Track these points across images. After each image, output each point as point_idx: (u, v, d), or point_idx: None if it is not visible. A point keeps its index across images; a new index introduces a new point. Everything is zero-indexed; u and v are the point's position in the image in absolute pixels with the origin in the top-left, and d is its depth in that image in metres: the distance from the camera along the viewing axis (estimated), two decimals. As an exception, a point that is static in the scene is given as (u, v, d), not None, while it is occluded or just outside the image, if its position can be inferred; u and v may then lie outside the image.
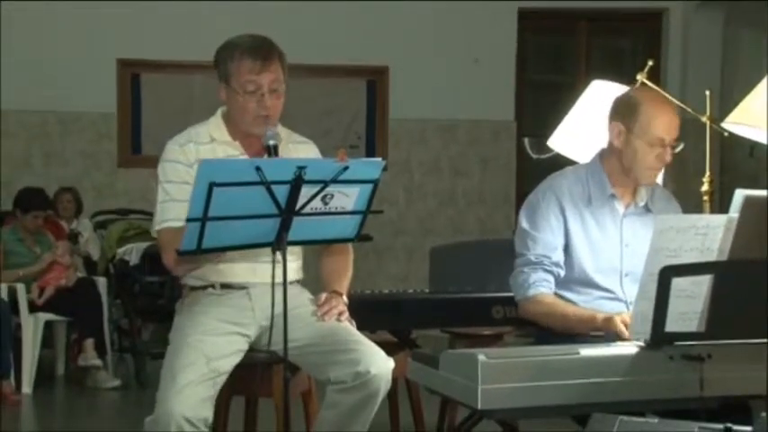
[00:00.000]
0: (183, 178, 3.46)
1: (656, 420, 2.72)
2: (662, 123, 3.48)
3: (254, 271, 3.54)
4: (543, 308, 3.53)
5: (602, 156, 3.65)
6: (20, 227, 7.46)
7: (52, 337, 7.58)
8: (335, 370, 3.36)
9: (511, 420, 3.74)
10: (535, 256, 3.55)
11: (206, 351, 3.38)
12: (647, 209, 3.64)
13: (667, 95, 3.81)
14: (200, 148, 3.55)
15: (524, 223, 3.61)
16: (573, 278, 3.58)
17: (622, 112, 3.55)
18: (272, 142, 3.40)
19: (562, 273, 3.56)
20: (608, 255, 3.58)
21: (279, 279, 3.25)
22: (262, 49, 3.50)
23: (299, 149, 3.68)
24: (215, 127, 3.63)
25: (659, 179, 3.84)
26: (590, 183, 3.62)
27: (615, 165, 3.60)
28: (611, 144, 3.60)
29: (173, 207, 3.46)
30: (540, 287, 3.53)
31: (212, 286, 3.60)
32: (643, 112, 3.50)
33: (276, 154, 3.40)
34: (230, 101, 3.56)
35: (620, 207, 3.62)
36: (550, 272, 3.55)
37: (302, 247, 3.71)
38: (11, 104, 9.13)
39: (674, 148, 3.50)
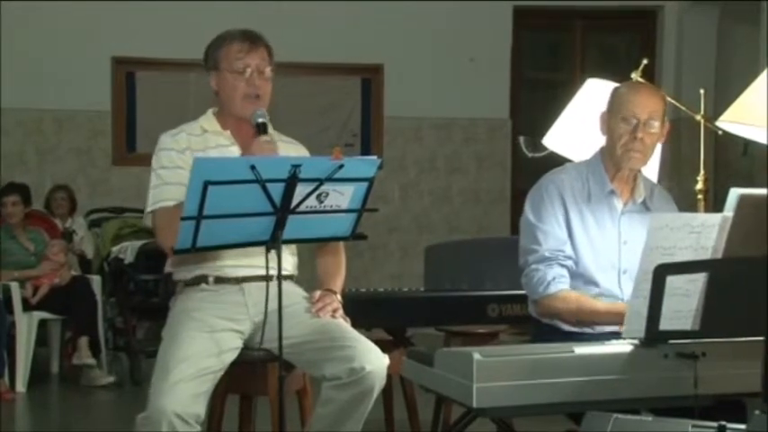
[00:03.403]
0: (175, 163, 3.55)
1: (650, 418, 2.73)
2: (633, 99, 3.54)
3: (248, 265, 3.55)
4: (570, 304, 3.52)
5: (602, 153, 3.67)
6: (9, 225, 7.46)
7: (47, 335, 7.58)
8: (330, 366, 3.37)
9: (506, 418, 3.73)
10: (549, 251, 3.54)
11: (199, 347, 3.38)
12: (645, 206, 3.64)
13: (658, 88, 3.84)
14: (192, 138, 3.64)
15: (531, 217, 3.60)
16: (572, 273, 3.57)
17: (607, 102, 3.64)
18: (260, 120, 3.49)
19: (574, 266, 3.57)
20: (606, 251, 3.59)
21: (272, 274, 3.26)
22: (249, 34, 3.64)
23: (289, 149, 3.71)
24: (206, 120, 3.72)
25: (654, 176, 3.85)
26: (590, 179, 3.63)
27: (609, 156, 3.62)
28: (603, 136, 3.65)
29: (166, 189, 3.53)
30: (560, 283, 3.52)
31: (206, 281, 3.61)
32: (618, 93, 3.62)
33: (265, 131, 3.48)
34: (220, 85, 3.65)
35: (618, 204, 3.63)
36: (565, 266, 3.55)
37: (297, 245, 3.73)
38: (6, 102, 9.14)
39: (653, 132, 3.53)
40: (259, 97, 3.59)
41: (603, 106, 3.67)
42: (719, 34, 9.70)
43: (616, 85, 4.03)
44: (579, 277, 3.57)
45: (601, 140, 3.71)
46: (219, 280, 3.61)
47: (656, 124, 3.54)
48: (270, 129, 3.61)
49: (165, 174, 3.57)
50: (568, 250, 3.56)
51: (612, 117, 3.58)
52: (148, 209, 3.60)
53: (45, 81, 9.32)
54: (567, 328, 3.59)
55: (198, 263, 3.60)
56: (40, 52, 9.26)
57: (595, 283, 3.57)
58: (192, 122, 3.73)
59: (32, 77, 9.26)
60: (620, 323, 3.17)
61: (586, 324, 3.54)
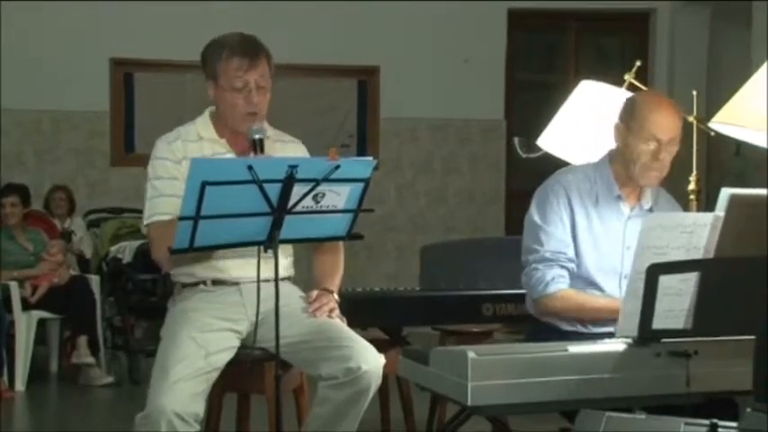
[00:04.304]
0: (171, 174, 3.53)
1: (643, 416, 2.74)
2: (656, 121, 3.50)
3: (245, 267, 3.56)
4: (570, 303, 3.53)
5: (611, 157, 3.67)
6: (9, 225, 7.47)
7: (46, 334, 7.59)
8: (327, 366, 3.39)
9: (500, 416, 3.76)
10: (550, 252, 3.55)
11: (197, 347, 3.40)
12: (651, 212, 3.64)
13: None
14: (188, 145, 3.61)
15: (536, 217, 3.61)
16: (574, 275, 3.59)
17: (625, 111, 3.60)
18: (257, 136, 3.45)
19: (575, 268, 3.58)
20: (609, 255, 3.59)
21: (270, 275, 3.29)
22: (249, 48, 3.57)
23: (287, 148, 3.72)
24: (202, 125, 3.69)
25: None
26: (598, 182, 3.63)
27: (622, 166, 3.62)
28: (617, 145, 3.63)
29: (162, 202, 3.52)
30: (560, 283, 3.53)
31: (204, 283, 3.63)
32: (640, 109, 3.54)
33: (262, 149, 3.45)
34: (218, 98, 3.62)
35: (625, 209, 3.64)
36: (565, 267, 3.56)
37: (293, 245, 3.73)
38: (5, 103, 9.14)
39: (672, 150, 3.53)
40: (257, 114, 3.56)
41: (619, 114, 3.61)
42: (711, 35, 9.73)
43: (610, 88, 4.05)
44: (580, 279, 3.59)
45: (597, 142, 3.73)
46: (217, 282, 3.63)
47: (677, 143, 3.54)
48: (270, 131, 3.62)
49: (160, 185, 3.56)
50: (570, 252, 3.57)
51: (633, 135, 3.53)
52: (144, 221, 3.61)
53: (44, 82, 9.32)
54: (564, 326, 3.60)
55: (196, 268, 3.61)
56: (40, 53, 9.26)
57: (596, 285, 3.59)
58: (189, 125, 3.71)
59: (31, 78, 9.25)
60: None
61: (588, 321, 3.55)
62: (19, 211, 7.54)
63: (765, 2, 7.51)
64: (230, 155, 3.60)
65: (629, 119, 3.55)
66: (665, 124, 3.50)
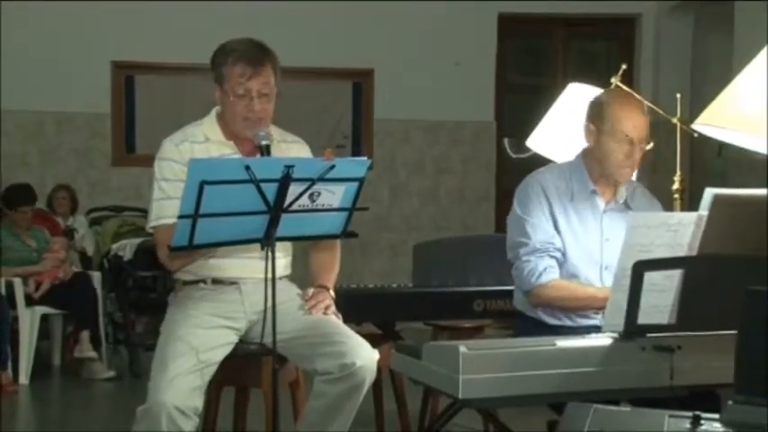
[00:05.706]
0: (178, 176, 3.50)
1: (628, 409, 2.75)
2: (628, 122, 3.60)
3: (244, 267, 3.61)
4: (565, 292, 3.60)
5: (585, 154, 3.75)
6: (12, 223, 7.51)
7: (49, 329, 7.66)
8: (322, 361, 3.44)
9: (491, 409, 3.81)
10: (539, 243, 3.61)
11: (196, 343, 3.46)
12: (627, 206, 3.72)
13: (638, 97, 3.93)
14: (195, 146, 3.63)
15: (520, 212, 3.68)
16: (559, 267, 3.66)
17: (594, 113, 3.69)
18: (264, 142, 3.47)
19: (562, 258, 3.65)
20: (588, 248, 3.67)
21: (269, 276, 3.31)
22: (254, 57, 3.58)
23: (291, 148, 3.76)
24: (209, 127, 3.71)
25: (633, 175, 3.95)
26: (572, 179, 3.71)
27: (594, 163, 3.71)
28: (589, 144, 3.72)
29: (168, 205, 3.51)
30: (552, 273, 3.60)
31: (204, 281, 3.67)
32: (611, 112, 3.64)
33: (268, 153, 3.47)
34: (223, 103, 3.65)
35: (600, 203, 3.71)
36: (554, 257, 3.62)
37: (291, 244, 3.79)
38: (8, 104, 9.19)
39: (642, 147, 3.62)
40: (260, 120, 3.59)
41: (588, 114, 3.71)
42: (694, 40, 9.79)
43: (597, 90, 4.12)
44: (563, 271, 3.65)
45: (582, 143, 3.80)
46: (217, 281, 3.67)
47: (647, 139, 3.62)
48: (274, 132, 3.66)
49: (167, 187, 3.57)
50: (558, 243, 3.64)
51: (605, 136, 3.63)
52: (151, 223, 3.63)
53: (46, 84, 9.36)
54: (551, 321, 3.67)
55: (197, 269, 3.65)
56: (42, 56, 9.30)
57: (578, 278, 3.65)
58: (195, 126, 3.73)
59: (34, 81, 9.29)
60: None
61: (581, 310, 3.62)
62: (29, 216, 7.60)
63: (746, 3, 7.59)
64: (237, 156, 3.62)
65: (599, 120, 3.65)
66: (637, 126, 3.60)
